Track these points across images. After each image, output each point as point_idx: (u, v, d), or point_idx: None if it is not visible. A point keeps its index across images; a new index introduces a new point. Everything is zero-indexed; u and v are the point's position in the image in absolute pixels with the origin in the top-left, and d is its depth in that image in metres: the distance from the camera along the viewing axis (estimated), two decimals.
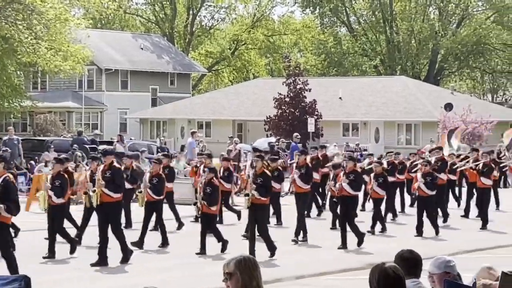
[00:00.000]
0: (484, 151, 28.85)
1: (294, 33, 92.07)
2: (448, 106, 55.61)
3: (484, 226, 24.64)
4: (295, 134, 46.78)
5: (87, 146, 40.58)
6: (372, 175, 24.56)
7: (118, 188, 18.44)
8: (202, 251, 19.46)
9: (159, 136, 60.67)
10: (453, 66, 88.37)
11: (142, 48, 77.96)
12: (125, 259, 18.22)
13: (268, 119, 55.15)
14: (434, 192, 23.67)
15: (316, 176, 25.29)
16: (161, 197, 21.33)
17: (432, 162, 25.93)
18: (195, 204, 20.63)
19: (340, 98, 62.51)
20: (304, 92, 55.31)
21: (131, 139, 54.80)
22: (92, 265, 17.62)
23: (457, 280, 9.03)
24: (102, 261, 17.84)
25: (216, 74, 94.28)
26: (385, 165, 27.59)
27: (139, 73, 74.40)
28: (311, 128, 52.36)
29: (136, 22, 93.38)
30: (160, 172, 21.37)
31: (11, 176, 16.77)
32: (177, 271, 17.82)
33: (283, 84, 56.59)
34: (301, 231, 21.80)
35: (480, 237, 23.60)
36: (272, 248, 18.83)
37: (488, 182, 25.82)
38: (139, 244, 20.25)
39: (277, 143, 46.17)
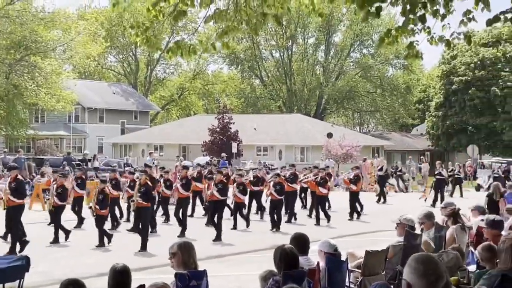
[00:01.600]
0: (321, 168, 27.64)
1: (222, 83, 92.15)
2: (330, 135, 56.07)
3: (318, 222, 23.34)
4: (223, 154, 46.79)
5: (74, 163, 40.22)
6: (235, 184, 22.44)
7: (20, 195, 17.14)
8: (100, 243, 18.06)
9: (125, 156, 60.13)
10: (333, 107, 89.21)
11: (114, 93, 77.25)
12: (12, 249, 16.38)
13: (204, 143, 55.02)
14: (282, 197, 22.64)
15: (200, 185, 24.21)
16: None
17: (287, 175, 24.67)
18: (90, 207, 19.35)
19: (255, 129, 62.72)
20: (230, 125, 55.31)
21: (105, 157, 54.33)
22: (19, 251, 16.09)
23: (336, 256, 9.17)
24: (12, 250, 16.44)
25: (167, 111, 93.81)
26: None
27: (112, 110, 73.71)
28: (234, 150, 52.33)
29: (110, 75, 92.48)
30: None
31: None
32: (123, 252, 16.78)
33: (215, 119, 56.60)
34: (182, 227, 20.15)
35: (320, 229, 21.86)
36: (144, 244, 17.36)
37: (324, 190, 24.25)
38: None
39: (210, 161, 46.04)
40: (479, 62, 60.51)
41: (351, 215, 25.36)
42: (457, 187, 36.29)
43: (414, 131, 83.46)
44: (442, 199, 30.39)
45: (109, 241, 18.33)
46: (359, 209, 25.93)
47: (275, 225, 21.84)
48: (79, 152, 59.80)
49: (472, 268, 9.58)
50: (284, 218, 23.68)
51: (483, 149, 60.46)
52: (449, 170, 37.03)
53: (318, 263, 8.62)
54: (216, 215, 19.90)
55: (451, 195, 34.29)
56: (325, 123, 72.12)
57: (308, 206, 26.97)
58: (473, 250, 10.67)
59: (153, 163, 41.16)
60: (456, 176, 36.74)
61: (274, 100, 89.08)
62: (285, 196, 23.65)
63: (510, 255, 7.21)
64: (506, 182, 34.66)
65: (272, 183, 23.02)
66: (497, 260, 7.90)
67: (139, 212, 18.01)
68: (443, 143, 63.87)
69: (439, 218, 12.13)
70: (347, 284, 9.51)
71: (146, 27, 8.61)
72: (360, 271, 9.69)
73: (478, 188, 41.13)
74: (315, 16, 8.86)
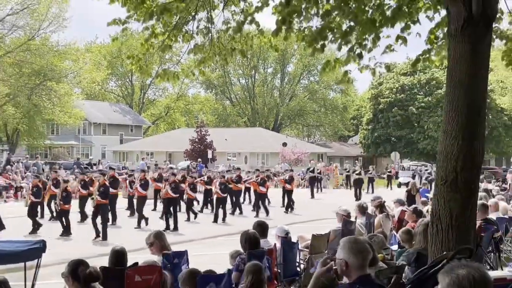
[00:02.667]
0: (261, 170, 26.52)
1: (200, 103, 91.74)
2: (284, 144, 56.28)
3: (264, 214, 21.99)
4: (199, 159, 46.68)
5: (82, 166, 39.78)
6: (187, 183, 21.39)
7: None
8: (64, 233, 16.83)
9: (123, 161, 59.62)
10: (287, 122, 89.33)
11: (114, 111, 76.60)
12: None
13: (186, 151, 54.72)
14: (225, 195, 21.38)
15: (159, 185, 22.15)
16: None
17: (233, 177, 23.70)
18: (55, 203, 18.35)
19: (226, 139, 62.63)
20: (206, 136, 55.12)
21: (107, 162, 53.77)
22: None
23: (287, 238, 9.19)
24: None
25: (157, 126, 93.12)
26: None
27: (113, 125, 73.09)
28: (210, 156, 52.18)
29: (111, 96, 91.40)
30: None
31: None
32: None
33: (194, 132, 56.29)
34: (142, 220, 19.03)
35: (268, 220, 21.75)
36: (98, 233, 16.38)
37: (263, 189, 23.16)
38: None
39: (191, 164, 45.80)
40: (400, 87, 61.21)
41: (286, 208, 24.26)
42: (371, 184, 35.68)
43: (350, 141, 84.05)
44: (360, 194, 30.15)
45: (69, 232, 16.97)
46: (292, 204, 24.58)
47: (217, 218, 20.47)
48: (87, 158, 59.06)
49: (394, 247, 9.65)
50: (230, 211, 22.43)
51: (403, 155, 61.09)
52: (369, 172, 36.34)
53: (275, 244, 8.63)
54: (171, 209, 18.81)
55: (372, 191, 33.56)
56: (281, 135, 72.30)
57: (252, 202, 25.52)
58: (395, 234, 10.76)
59: (147, 166, 41.05)
60: (368, 176, 35.97)
61: (241, 116, 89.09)
62: (232, 194, 22.92)
63: (423, 236, 7.29)
64: (422, 181, 35.00)
65: (217, 183, 21.87)
66: (414, 242, 7.99)
67: (97, 208, 16.62)
68: (372, 150, 64.31)
69: (369, 208, 12.22)
70: (297, 260, 9.52)
71: (139, 58, 8.63)
72: (308, 250, 9.72)
73: (400, 185, 41.47)
74: (273, 51, 8.95)
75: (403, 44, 7.74)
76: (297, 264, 9.46)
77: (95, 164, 44.93)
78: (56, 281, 8.35)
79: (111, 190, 17.94)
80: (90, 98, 77.16)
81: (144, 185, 20.05)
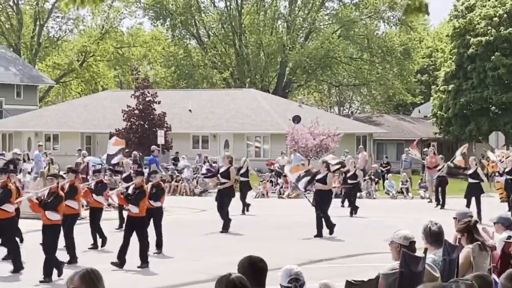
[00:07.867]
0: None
1: (143, 45, 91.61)
2: (296, 119, 56.06)
3: None
4: (153, 146, 46.27)
5: None
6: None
7: None
8: None
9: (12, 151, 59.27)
10: (301, 79, 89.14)
11: None
12: None
13: (117, 132, 54.51)
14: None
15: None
16: None
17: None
18: None
19: (190, 110, 62.46)
20: (153, 105, 54.94)
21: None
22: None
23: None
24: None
25: (64, 86, 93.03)
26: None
27: None
28: (160, 140, 51.89)
29: None
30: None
31: None
32: None
33: (132, 97, 56.06)
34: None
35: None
36: None
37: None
38: None
39: (133, 156, 45.56)
40: (505, 15, 61.12)
41: None
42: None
43: (415, 112, 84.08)
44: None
45: None
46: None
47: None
48: None
49: None
50: None
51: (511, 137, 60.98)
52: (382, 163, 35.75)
53: None
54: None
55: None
56: (289, 102, 72.24)
57: None
58: (497, 279, 10.72)
59: (44, 159, 40.85)
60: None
61: (218, 69, 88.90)
62: None
63: None
64: None
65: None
66: None
67: None
68: (456, 129, 64.22)
69: (451, 234, 12.17)
70: None
71: None
72: None
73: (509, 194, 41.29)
74: None
75: None
76: None
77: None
78: None
79: None
80: None
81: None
